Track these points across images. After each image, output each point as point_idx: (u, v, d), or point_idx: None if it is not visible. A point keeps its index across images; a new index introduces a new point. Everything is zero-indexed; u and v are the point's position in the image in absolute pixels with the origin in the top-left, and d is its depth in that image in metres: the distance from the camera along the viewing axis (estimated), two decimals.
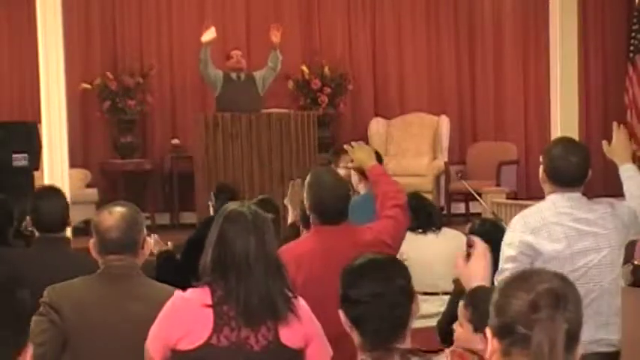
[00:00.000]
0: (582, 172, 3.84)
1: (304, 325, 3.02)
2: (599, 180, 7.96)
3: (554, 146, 3.95)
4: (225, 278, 2.96)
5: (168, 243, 5.34)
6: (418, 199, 5.67)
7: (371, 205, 4.32)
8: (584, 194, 3.89)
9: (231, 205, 3.11)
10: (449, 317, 4.54)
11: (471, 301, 2.86)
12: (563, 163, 3.82)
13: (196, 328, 2.91)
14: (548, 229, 3.77)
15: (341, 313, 2.59)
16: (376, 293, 2.54)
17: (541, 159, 3.92)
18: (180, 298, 3.01)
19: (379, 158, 5.32)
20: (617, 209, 3.90)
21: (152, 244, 5.03)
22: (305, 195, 3.89)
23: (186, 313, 2.95)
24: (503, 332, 1.86)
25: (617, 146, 4.17)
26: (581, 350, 1.93)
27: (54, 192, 4.49)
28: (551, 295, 1.84)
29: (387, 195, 3.98)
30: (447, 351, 2.77)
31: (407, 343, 2.50)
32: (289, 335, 2.97)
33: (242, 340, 2.92)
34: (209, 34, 9.23)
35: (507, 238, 3.83)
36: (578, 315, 1.89)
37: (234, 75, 9.37)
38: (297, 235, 4.65)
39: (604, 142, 4.22)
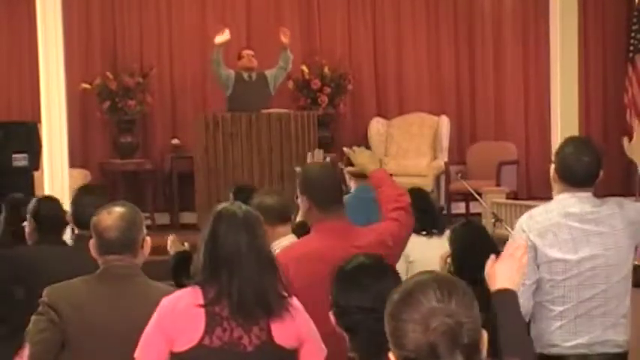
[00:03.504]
0: (593, 171, 3.81)
1: (298, 324, 3.00)
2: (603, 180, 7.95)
3: (566, 145, 3.89)
4: (217, 277, 2.93)
5: (185, 243, 5.28)
6: (424, 200, 5.65)
7: (364, 204, 4.33)
8: (594, 194, 3.86)
9: (222, 205, 3.11)
10: None
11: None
12: (574, 162, 3.78)
13: (188, 329, 2.90)
14: (554, 230, 3.75)
15: (331, 316, 2.60)
16: (365, 308, 2.53)
17: (553, 158, 3.90)
18: (169, 301, 2.99)
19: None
20: (626, 208, 3.87)
21: (169, 244, 5.03)
22: (299, 190, 3.86)
23: (178, 315, 2.92)
24: None
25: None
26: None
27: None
28: (449, 336, 1.84)
29: (390, 198, 3.95)
30: None
31: None
32: (283, 335, 2.95)
33: (235, 340, 2.90)
34: (223, 37, 9.30)
35: (515, 238, 3.79)
36: (474, 324, 1.88)
37: (245, 75, 9.47)
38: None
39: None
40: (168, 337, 2.91)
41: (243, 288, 2.92)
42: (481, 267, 4.40)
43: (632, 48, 10.58)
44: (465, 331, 1.84)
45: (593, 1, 11.24)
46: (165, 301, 2.99)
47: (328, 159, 4.51)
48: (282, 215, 4.15)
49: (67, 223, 4.70)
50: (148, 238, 3.44)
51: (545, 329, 3.80)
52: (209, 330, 2.89)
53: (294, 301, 3.03)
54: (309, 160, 4.47)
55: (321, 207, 3.74)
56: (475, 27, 11.40)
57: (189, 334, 2.89)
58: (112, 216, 3.34)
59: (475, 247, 4.61)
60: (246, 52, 9.69)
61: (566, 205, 3.80)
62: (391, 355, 1.89)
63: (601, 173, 3.85)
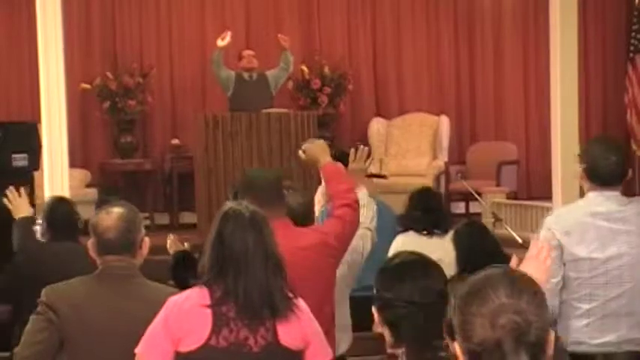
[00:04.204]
0: (621, 170, 3.89)
1: (303, 325, 3.00)
2: None
3: (594, 145, 4.00)
4: (223, 277, 2.93)
5: (185, 243, 5.28)
6: (428, 199, 5.64)
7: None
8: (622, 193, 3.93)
9: (229, 204, 3.09)
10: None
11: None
12: (602, 162, 3.86)
13: (195, 329, 2.89)
14: (581, 228, 3.81)
15: (374, 310, 2.61)
16: (413, 301, 2.56)
17: (579, 159, 3.96)
18: (176, 300, 2.98)
19: (344, 158, 4.63)
20: None
21: (168, 243, 5.03)
22: (240, 195, 3.77)
23: (184, 315, 2.92)
24: (474, 356, 1.86)
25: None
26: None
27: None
28: (516, 333, 1.83)
29: (337, 194, 3.91)
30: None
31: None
32: (288, 336, 2.95)
33: (241, 341, 2.90)
34: (225, 40, 9.36)
35: (542, 236, 3.85)
36: (543, 323, 1.86)
37: (246, 75, 9.49)
38: None
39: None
40: (174, 336, 2.90)
41: (249, 288, 2.91)
42: (484, 266, 4.40)
43: (632, 48, 10.59)
44: (532, 330, 1.82)
45: (593, 1, 11.24)
46: (171, 301, 2.98)
47: (367, 151, 4.42)
48: (306, 218, 3.97)
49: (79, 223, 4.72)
50: (147, 239, 3.44)
51: (571, 327, 3.85)
52: (216, 330, 2.89)
53: (300, 302, 3.03)
54: (351, 157, 4.38)
55: (260, 207, 3.68)
56: (475, 27, 11.40)
57: (195, 334, 2.89)
58: (111, 216, 3.34)
59: (478, 246, 4.62)
60: (247, 53, 9.70)
61: (593, 203, 3.87)
62: (456, 345, 1.88)
63: (630, 172, 3.94)
